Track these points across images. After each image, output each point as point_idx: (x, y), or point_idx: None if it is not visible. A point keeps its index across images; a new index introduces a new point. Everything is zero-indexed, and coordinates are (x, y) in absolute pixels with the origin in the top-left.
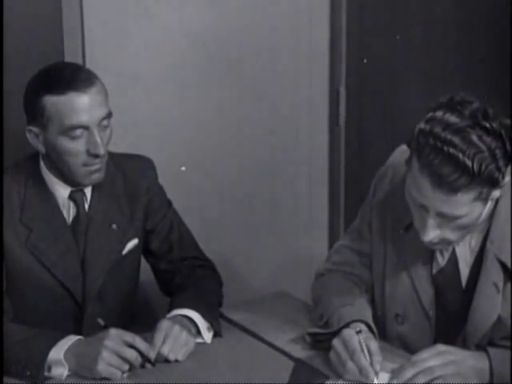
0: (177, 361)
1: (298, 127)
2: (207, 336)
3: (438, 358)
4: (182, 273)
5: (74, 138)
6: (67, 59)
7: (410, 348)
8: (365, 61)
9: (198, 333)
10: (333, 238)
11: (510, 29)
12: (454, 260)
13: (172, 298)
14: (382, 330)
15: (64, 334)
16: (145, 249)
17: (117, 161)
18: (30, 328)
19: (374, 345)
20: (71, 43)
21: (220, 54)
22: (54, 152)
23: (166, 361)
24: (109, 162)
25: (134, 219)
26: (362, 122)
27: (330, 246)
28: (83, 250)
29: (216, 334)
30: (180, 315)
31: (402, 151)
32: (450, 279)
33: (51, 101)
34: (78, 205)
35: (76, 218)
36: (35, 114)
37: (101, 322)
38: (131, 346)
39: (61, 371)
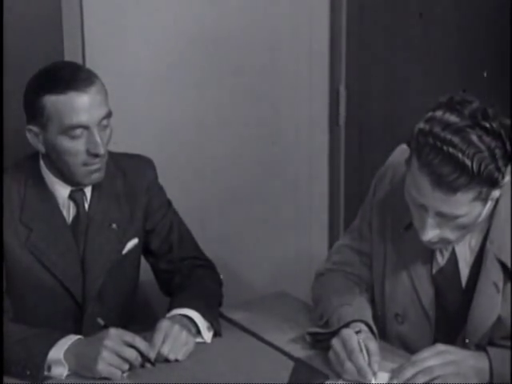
0: (177, 360)
1: (298, 127)
2: (207, 336)
3: (437, 357)
4: (181, 273)
5: (73, 138)
6: (67, 59)
7: (410, 348)
8: (365, 61)
9: (198, 332)
10: (333, 237)
11: (510, 29)
12: (453, 260)
13: (172, 297)
14: (381, 329)
15: (64, 333)
16: (145, 249)
17: (117, 160)
18: (30, 328)
19: (373, 345)
20: (71, 43)
21: (220, 53)
22: (53, 151)
23: (166, 360)
24: (109, 162)
25: (133, 219)
26: (362, 122)
27: (330, 245)
28: (83, 249)
29: (216, 334)
30: (180, 315)
31: (402, 151)
32: (449, 279)
33: (51, 100)
34: (78, 204)
35: (76, 217)
36: (35, 113)
37: (101, 321)
38: (131, 346)
39: (61, 371)
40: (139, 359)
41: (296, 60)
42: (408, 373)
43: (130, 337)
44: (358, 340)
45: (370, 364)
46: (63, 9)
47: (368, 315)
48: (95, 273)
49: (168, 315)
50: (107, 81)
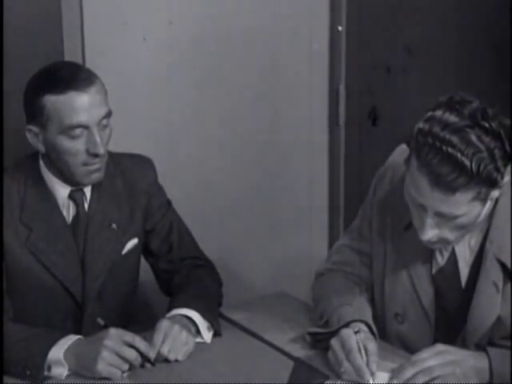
0: (176, 360)
1: (298, 127)
2: (207, 335)
3: (437, 357)
4: (181, 273)
5: (73, 138)
6: (67, 59)
7: (410, 347)
8: (364, 59)
9: (198, 332)
10: (333, 238)
11: (510, 29)
12: (453, 259)
13: (172, 297)
14: (381, 329)
15: (64, 333)
16: (144, 249)
17: (116, 160)
18: (30, 328)
19: (372, 345)
20: (71, 43)
21: (220, 53)
22: (53, 151)
23: (166, 360)
24: (108, 162)
25: (133, 219)
26: (362, 122)
27: (330, 245)
28: (83, 249)
29: (216, 334)
30: (180, 315)
31: (402, 151)
32: (449, 279)
33: (51, 100)
34: (78, 204)
35: (76, 217)
36: (35, 113)
37: (100, 321)
38: (131, 346)
39: (61, 371)
40: (139, 359)
41: (296, 60)
42: (408, 373)
43: (129, 337)
44: (357, 340)
45: (368, 364)
46: (63, 9)
47: (368, 315)
48: (95, 273)
49: (168, 315)
50: (107, 81)
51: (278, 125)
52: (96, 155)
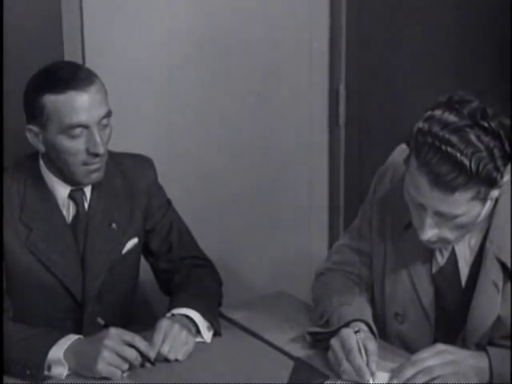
0: (176, 360)
1: (298, 127)
2: (207, 335)
3: (437, 357)
4: (181, 272)
5: (73, 137)
6: (67, 59)
7: (410, 347)
8: (364, 59)
9: (198, 332)
10: (333, 237)
11: (510, 28)
12: (453, 259)
13: (172, 297)
14: (381, 328)
15: (64, 333)
16: (144, 248)
17: (116, 160)
18: (30, 327)
19: (372, 345)
20: (71, 43)
21: (220, 54)
22: (53, 151)
23: (166, 360)
24: (108, 162)
25: (133, 218)
26: (362, 122)
27: (330, 245)
28: (83, 249)
29: (216, 334)
30: (180, 314)
31: (402, 150)
32: (449, 278)
33: (51, 100)
34: (78, 204)
35: (76, 217)
36: (35, 113)
37: (100, 321)
38: (131, 346)
39: (61, 370)
40: (139, 359)
41: (296, 60)
42: (408, 373)
43: (129, 336)
44: (357, 340)
45: (368, 364)
46: (63, 9)
47: (368, 315)
48: (95, 272)
49: (168, 315)
50: (107, 81)
51: (278, 125)
52: (96, 155)
